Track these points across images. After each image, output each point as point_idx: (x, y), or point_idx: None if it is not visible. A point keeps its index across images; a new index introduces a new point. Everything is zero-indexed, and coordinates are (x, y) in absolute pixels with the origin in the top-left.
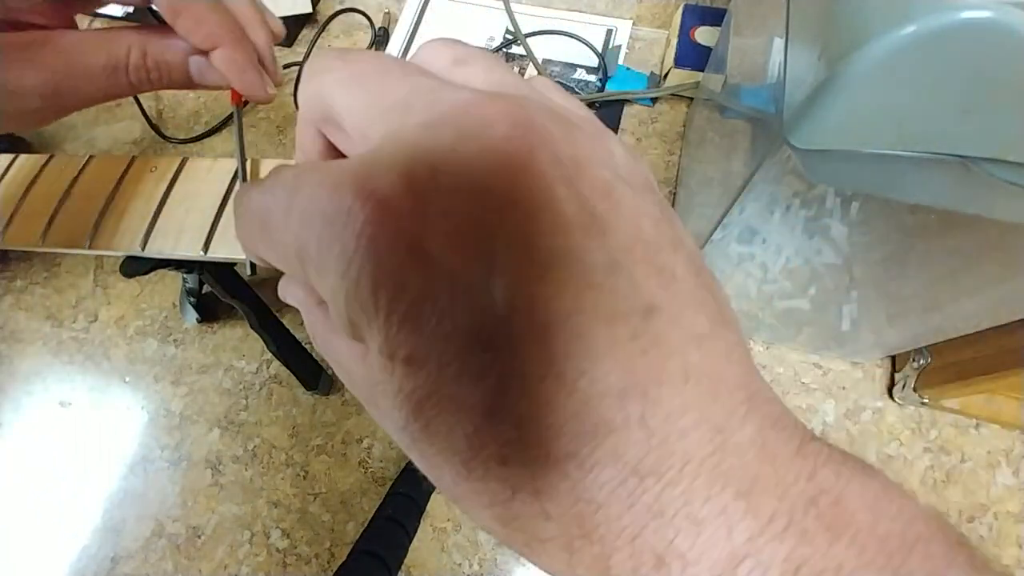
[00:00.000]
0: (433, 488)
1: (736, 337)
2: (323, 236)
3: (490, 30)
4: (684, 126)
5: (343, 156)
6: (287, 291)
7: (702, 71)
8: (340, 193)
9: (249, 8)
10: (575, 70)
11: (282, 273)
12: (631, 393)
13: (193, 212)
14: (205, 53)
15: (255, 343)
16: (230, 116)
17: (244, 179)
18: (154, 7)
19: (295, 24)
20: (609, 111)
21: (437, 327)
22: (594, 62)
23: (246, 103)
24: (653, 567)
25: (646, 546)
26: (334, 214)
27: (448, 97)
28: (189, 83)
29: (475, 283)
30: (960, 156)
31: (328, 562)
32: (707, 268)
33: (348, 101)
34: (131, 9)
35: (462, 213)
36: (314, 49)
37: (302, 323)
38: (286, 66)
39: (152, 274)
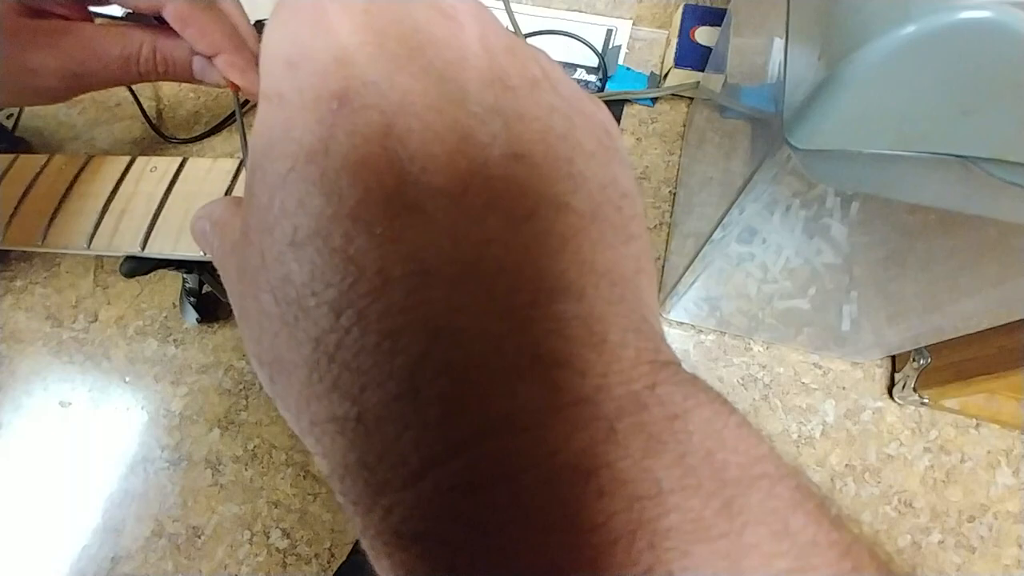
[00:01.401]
0: None
1: (635, 252)
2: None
3: None
4: (684, 126)
5: None
6: (204, 211)
7: (702, 71)
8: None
9: (244, 21)
10: (575, 70)
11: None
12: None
13: (193, 212)
14: (209, 57)
15: None
16: (230, 115)
17: (245, 157)
18: (163, 15)
19: None
20: (609, 111)
21: (306, 76)
22: (594, 62)
23: (246, 102)
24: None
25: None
26: None
27: None
28: (191, 78)
29: (360, 61)
30: (960, 156)
31: (328, 562)
32: (631, 197)
33: None
34: (130, 11)
35: (390, 31)
36: None
37: None
38: None
39: (152, 274)
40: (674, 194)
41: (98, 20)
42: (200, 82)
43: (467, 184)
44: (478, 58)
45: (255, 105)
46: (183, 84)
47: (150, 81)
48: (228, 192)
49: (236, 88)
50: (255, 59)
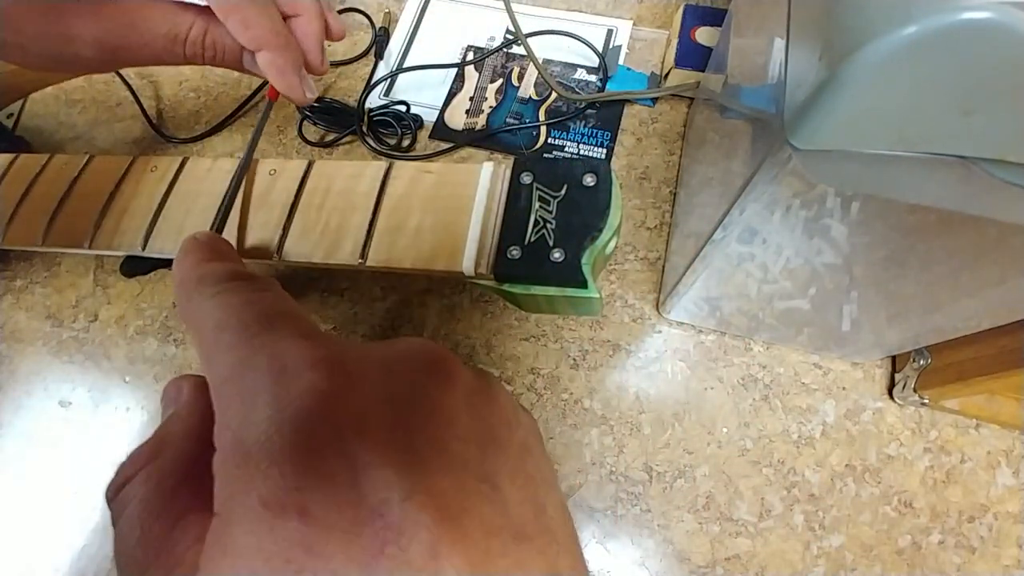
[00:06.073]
0: None
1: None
2: (257, 386)
3: (490, 30)
4: (684, 126)
5: None
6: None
7: (702, 71)
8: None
9: (316, 26)
10: (575, 70)
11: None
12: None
13: (193, 212)
14: (252, 52)
15: None
16: (231, 115)
17: (244, 171)
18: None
19: None
20: (609, 111)
21: (334, 502)
22: (594, 62)
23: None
24: None
25: None
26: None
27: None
28: (239, 67)
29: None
30: (960, 156)
31: None
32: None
33: None
34: None
35: (382, 418)
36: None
37: None
38: None
39: (152, 274)
40: (674, 194)
41: None
42: (250, 72)
43: None
44: (465, 426)
45: (255, 104)
46: (183, 84)
47: (195, 65)
48: (227, 192)
49: (274, 95)
50: (303, 58)
